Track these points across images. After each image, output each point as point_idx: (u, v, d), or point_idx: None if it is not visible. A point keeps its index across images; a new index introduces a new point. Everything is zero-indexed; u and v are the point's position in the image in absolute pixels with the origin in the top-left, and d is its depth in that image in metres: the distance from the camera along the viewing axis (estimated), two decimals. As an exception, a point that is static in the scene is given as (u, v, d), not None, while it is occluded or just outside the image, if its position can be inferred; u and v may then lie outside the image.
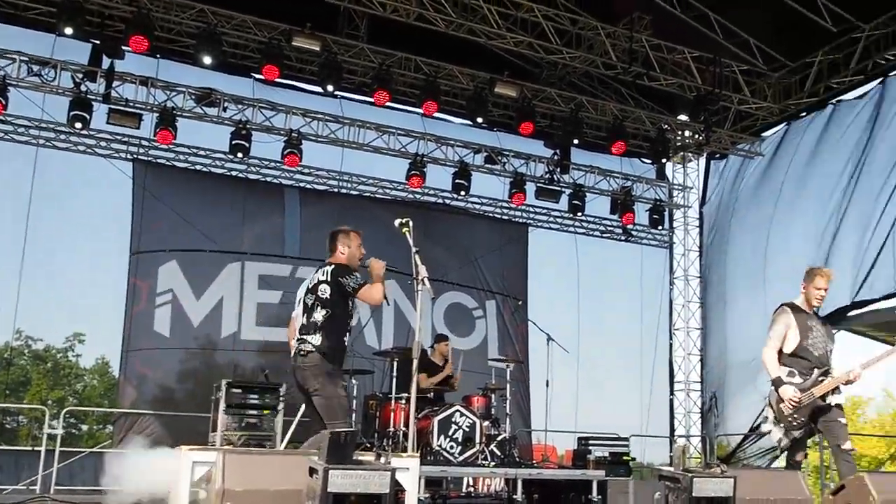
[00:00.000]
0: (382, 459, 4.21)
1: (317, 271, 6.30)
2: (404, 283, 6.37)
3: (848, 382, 6.46)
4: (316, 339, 5.96)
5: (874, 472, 5.83)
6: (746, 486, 4.54)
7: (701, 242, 17.07)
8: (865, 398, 32.88)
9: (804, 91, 14.45)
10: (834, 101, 14.35)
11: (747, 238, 15.61)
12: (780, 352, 6.60)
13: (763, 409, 6.67)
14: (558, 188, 15.24)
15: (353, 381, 10.99)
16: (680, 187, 17.32)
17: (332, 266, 6.16)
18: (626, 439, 12.20)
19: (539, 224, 16.08)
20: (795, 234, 14.38)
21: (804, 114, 14.88)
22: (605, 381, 15.52)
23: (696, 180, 17.29)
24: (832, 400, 6.47)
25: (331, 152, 14.05)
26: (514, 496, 9.69)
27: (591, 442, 11.71)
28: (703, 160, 17.16)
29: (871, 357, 6.76)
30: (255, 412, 9.95)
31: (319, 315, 6.01)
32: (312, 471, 3.96)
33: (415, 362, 5.52)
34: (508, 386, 11.10)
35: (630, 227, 16.32)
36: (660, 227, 16.55)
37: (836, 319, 11.72)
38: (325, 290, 6.00)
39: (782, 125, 15.40)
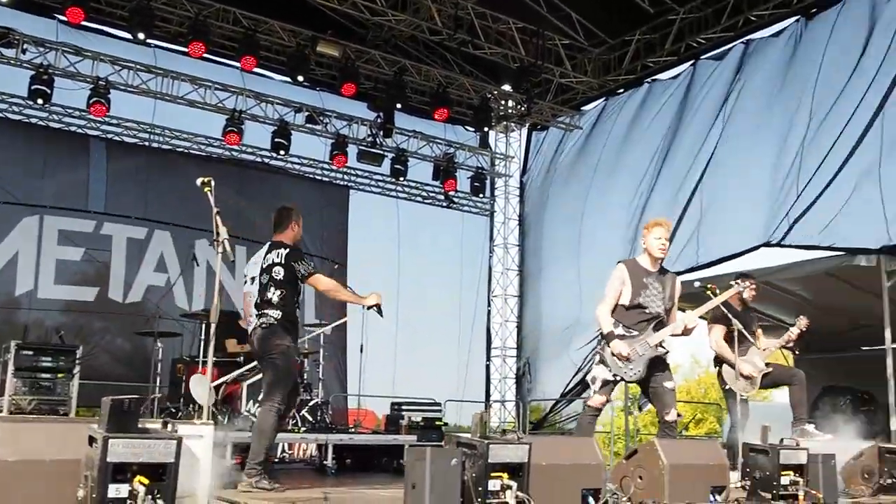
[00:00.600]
0: (170, 427, 3.99)
1: (269, 252, 6.47)
2: (209, 244, 6.12)
3: (685, 332, 6.55)
4: (276, 313, 6.31)
5: (665, 438, 6.04)
6: (541, 452, 4.59)
7: (521, 211, 17.41)
8: (674, 365, 34.65)
9: (622, 68, 14.94)
10: (650, 79, 14.90)
11: (565, 209, 16.02)
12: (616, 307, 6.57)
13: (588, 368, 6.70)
14: (381, 152, 15.13)
15: (159, 345, 10.57)
16: (502, 156, 17.55)
17: (287, 250, 6.39)
18: (440, 404, 12.32)
19: (360, 187, 15.90)
20: (609, 207, 14.85)
21: (622, 90, 15.37)
22: (423, 347, 15.59)
23: (517, 150, 17.61)
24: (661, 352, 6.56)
25: (141, 103, 13.28)
26: (325, 462, 9.59)
27: (404, 407, 11.76)
28: (525, 130, 17.46)
29: (703, 306, 7.02)
30: (48, 375, 9.35)
31: (274, 295, 6.31)
32: (92, 440, 3.70)
33: (212, 326, 5.28)
34: (323, 350, 10.96)
35: (452, 193, 16.40)
36: (481, 195, 16.76)
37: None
38: (279, 272, 6.30)
39: (601, 100, 15.86)
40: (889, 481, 6.58)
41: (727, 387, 8.01)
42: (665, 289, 6.65)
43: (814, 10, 12.28)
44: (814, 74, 11.87)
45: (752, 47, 13.05)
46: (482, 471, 4.22)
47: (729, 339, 7.93)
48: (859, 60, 11.33)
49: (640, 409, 13.80)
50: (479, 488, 4.19)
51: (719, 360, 8.20)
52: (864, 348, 14.07)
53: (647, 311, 6.53)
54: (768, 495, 5.61)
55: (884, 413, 10.87)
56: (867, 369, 12.97)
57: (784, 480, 5.60)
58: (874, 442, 7.29)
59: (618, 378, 6.43)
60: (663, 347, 6.51)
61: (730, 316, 7.50)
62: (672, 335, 6.58)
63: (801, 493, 5.54)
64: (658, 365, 6.52)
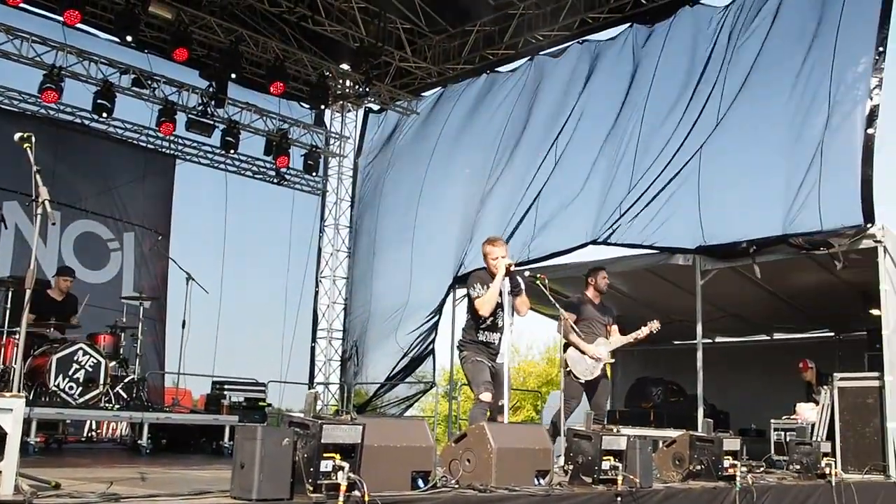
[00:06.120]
0: (-25, 399, 3.67)
1: None
2: (25, 206, 5.58)
3: None
4: None
5: (492, 422, 6.15)
6: (373, 433, 4.53)
7: (353, 193, 17.27)
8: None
9: (462, 57, 15.08)
10: (489, 71, 15.08)
11: (400, 193, 16.01)
12: None
13: None
14: (212, 122, 14.57)
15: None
16: (337, 136, 17.35)
17: None
18: (263, 385, 12.06)
19: (188, 157, 15.27)
20: (445, 195, 14.98)
21: (460, 79, 15.49)
22: (248, 325, 15.25)
23: (353, 131, 17.44)
24: None
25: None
26: (140, 441, 9.20)
27: (226, 386, 11.47)
28: (361, 111, 17.34)
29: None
30: None
31: None
32: None
33: (27, 292, 4.86)
34: (141, 325, 10.50)
35: (283, 170, 16.08)
36: (314, 174, 16.51)
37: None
38: None
39: (439, 87, 15.94)
40: (698, 467, 6.87)
41: (568, 369, 8.27)
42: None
43: (647, 17, 12.79)
44: (645, 84, 12.38)
45: (590, 49, 13.47)
46: (314, 451, 4.14)
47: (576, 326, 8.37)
48: (698, 76, 11.87)
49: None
50: (311, 469, 4.12)
51: (566, 345, 8.43)
52: (676, 342, 14.81)
53: None
54: (589, 479, 5.76)
55: (691, 403, 11.45)
56: (677, 361, 13.70)
57: (605, 465, 5.77)
58: (684, 430, 7.60)
59: None
60: None
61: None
62: None
63: (619, 478, 5.71)
64: None
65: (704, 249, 10.89)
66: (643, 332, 8.57)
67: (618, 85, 12.83)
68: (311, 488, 4.09)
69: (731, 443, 7.22)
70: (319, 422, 4.20)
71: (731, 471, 6.86)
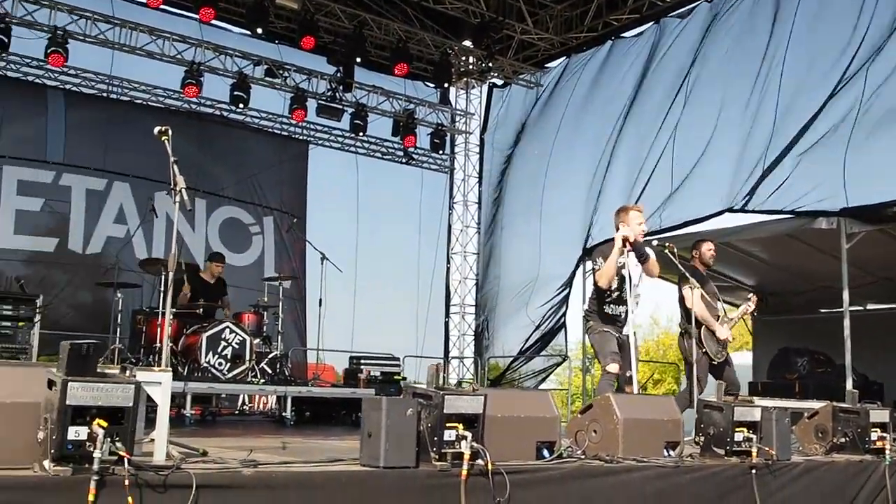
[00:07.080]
0: (127, 373, 4.02)
1: None
2: (166, 194, 5.98)
3: None
4: None
5: (619, 393, 6.16)
6: (497, 404, 4.65)
7: (481, 169, 17.36)
8: (635, 325, 34.72)
9: (584, 25, 14.84)
10: (613, 37, 14.77)
11: (527, 167, 16.01)
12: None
13: None
14: (340, 106, 15.00)
15: (119, 295, 10.53)
16: (462, 113, 17.48)
17: None
18: (398, 359, 12.44)
19: (320, 142, 15.79)
20: (572, 166, 14.85)
21: (584, 48, 15.26)
22: (382, 302, 15.60)
23: (478, 107, 17.50)
24: None
25: (100, 54, 13.06)
26: (284, 413, 9.70)
27: (363, 361, 11.89)
28: (485, 87, 17.36)
29: None
30: (8, 324, 9.26)
31: None
32: (51, 383, 3.71)
33: (170, 274, 5.27)
34: (282, 304, 10.99)
35: (411, 149, 16.36)
36: (441, 152, 16.72)
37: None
38: None
39: (563, 58, 15.77)
40: (842, 440, 6.62)
41: (704, 350, 7.83)
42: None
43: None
44: (783, 40, 11.81)
45: (720, 6, 12.93)
46: (437, 421, 4.27)
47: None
48: (853, 33, 11.06)
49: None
50: (435, 438, 4.25)
51: (696, 322, 7.86)
52: (822, 310, 14.24)
53: None
54: (721, 451, 5.64)
55: (839, 374, 10.98)
56: (824, 330, 13.13)
57: (737, 437, 5.62)
58: (828, 401, 7.33)
59: None
60: None
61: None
62: None
63: (754, 450, 5.54)
64: None
65: (850, 211, 10.31)
66: (749, 307, 8.32)
67: (753, 41, 12.25)
68: (435, 456, 4.23)
69: (880, 414, 6.80)
70: (441, 392, 4.34)
71: (879, 444, 6.53)
